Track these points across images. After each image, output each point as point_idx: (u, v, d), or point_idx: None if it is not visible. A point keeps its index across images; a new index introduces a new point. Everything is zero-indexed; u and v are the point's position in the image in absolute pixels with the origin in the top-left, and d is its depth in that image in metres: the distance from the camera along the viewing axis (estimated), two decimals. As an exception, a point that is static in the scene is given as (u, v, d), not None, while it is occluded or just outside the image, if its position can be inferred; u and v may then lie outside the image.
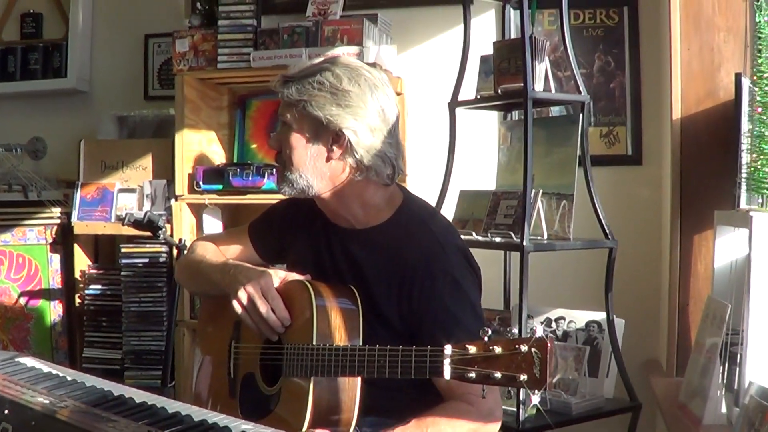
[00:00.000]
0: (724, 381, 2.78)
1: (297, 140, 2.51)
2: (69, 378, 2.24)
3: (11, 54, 5.45)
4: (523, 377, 1.85)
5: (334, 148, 2.47)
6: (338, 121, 2.43)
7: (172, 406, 1.95)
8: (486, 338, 1.92)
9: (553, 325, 3.76)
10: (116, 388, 2.13)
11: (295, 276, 2.55)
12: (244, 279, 2.52)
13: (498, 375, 1.88)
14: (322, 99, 2.44)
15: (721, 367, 2.77)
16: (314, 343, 2.35)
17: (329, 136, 2.47)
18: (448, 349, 1.97)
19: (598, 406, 3.62)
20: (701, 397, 2.84)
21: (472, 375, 1.92)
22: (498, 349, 1.89)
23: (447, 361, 1.96)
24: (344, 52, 3.94)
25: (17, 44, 5.49)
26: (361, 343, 2.36)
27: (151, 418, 1.86)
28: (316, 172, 2.50)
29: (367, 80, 2.48)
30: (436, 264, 2.47)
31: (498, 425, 2.45)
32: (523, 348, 1.85)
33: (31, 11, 5.51)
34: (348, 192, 2.55)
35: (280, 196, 3.59)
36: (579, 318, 3.75)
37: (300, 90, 2.47)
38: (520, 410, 3.34)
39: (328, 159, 2.49)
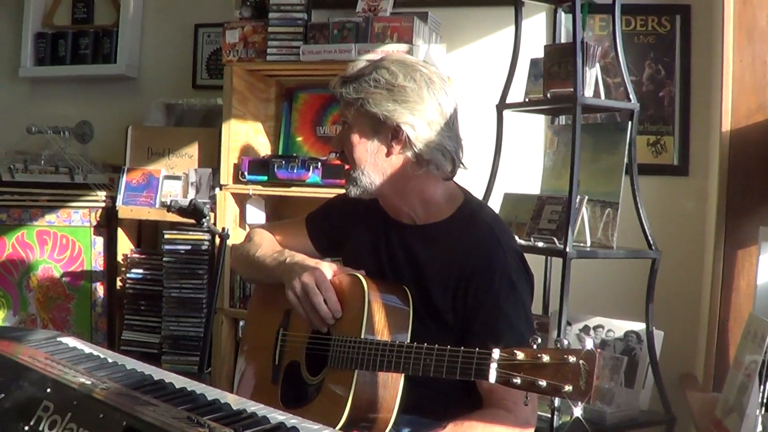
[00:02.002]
0: (763, 400, 2.75)
1: (357, 138, 2.54)
2: (110, 360, 2.26)
3: (62, 38, 5.51)
4: (568, 388, 1.85)
5: (393, 143, 2.50)
6: (395, 116, 2.46)
7: (211, 393, 1.97)
8: (535, 346, 1.92)
9: (592, 333, 3.75)
10: (156, 372, 2.15)
11: (349, 270, 2.57)
12: (299, 269, 2.57)
13: (543, 383, 1.88)
14: (378, 96, 2.47)
15: (761, 386, 2.74)
16: (362, 337, 2.37)
17: (388, 132, 2.50)
18: (495, 353, 1.96)
19: (633, 418, 3.60)
20: (738, 415, 2.81)
21: (518, 381, 1.92)
22: (546, 358, 1.88)
23: (494, 365, 1.96)
24: (394, 50, 3.95)
25: (68, 29, 5.55)
26: (409, 342, 2.37)
27: (190, 403, 1.87)
28: (377, 168, 2.54)
29: (422, 75, 2.50)
30: (495, 264, 2.48)
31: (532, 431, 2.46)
32: (572, 359, 1.85)
33: (84, -3, 5.56)
34: (409, 187, 2.57)
35: (324, 190, 3.61)
36: (618, 327, 3.73)
37: (357, 89, 2.51)
38: (554, 417, 3.33)
39: (388, 154, 2.52)
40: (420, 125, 2.48)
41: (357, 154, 2.55)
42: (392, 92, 2.47)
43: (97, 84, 5.53)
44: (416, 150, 2.49)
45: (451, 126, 2.55)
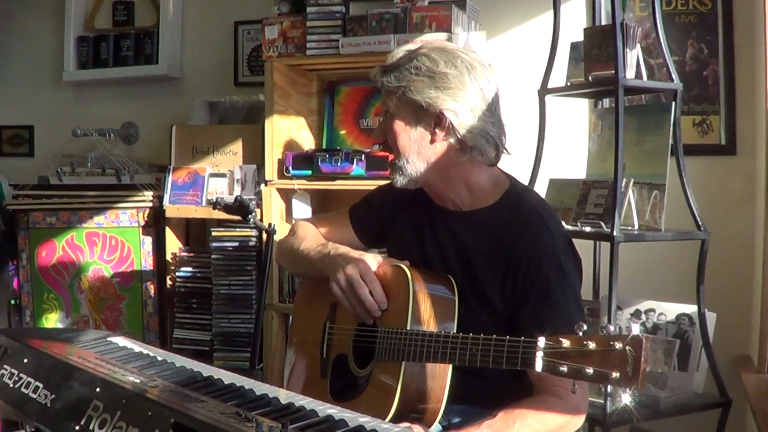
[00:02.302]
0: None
1: (400, 126, 2.54)
2: (159, 358, 2.28)
3: (104, 41, 5.57)
4: (616, 375, 1.84)
5: (437, 130, 2.50)
6: (438, 103, 2.46)
7: (260, 388, 1.98)
8: (581, 333, 1.90)
9: (643, 317, 3.72)
10: (205, 369, 2.17)
11: (393, 261, 2.58)
12: (343, 261, 2.57)
13: (590, 371, 1.87)
14: (420, 83, 2.47)
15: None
16: (408, 328, 2.36)
17: (431, 119, 2.49)
18: (541, 341, 1.96)
19: (687, 401, 3.57)
20: (794, 394, 2.78)
21: (564, 369, 1.91)
22: (592, 345, 1.87)
23: (540, 354, 1.96)
24: (434, 40, 3.93)
25: (109, 32, 5.61)
26: (455, 332, 2.36)
27: (239, 399, 1.89)
28: (421, 156, 2.54)
29: (463, 62, 2.49)
30: (544, 249, 2.47)
31: (583, 418, 2.44)
32: (618, 345, 1.84)
33: (123, -1, 5.60)
34: (454, 174, 2.57)
35: (368, 182, 3.61)
36: (669, 310, 3.70)
37: (398, 77, 2.51)
38: (607, 403, 3.31)
39: (432, 141, 2.52)
40: (463, 111, 2.47)
41: (401, 142, 2.55)
42: (434, 79, 2.46)
43: (140, 85, 5.58)
44: (459, 136, 2.49)
45: (493, 111, 2.54)
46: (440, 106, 2.46)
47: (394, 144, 2.57)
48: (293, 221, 4.45)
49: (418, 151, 2.54)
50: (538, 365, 1.96)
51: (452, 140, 2.51)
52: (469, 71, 2.49)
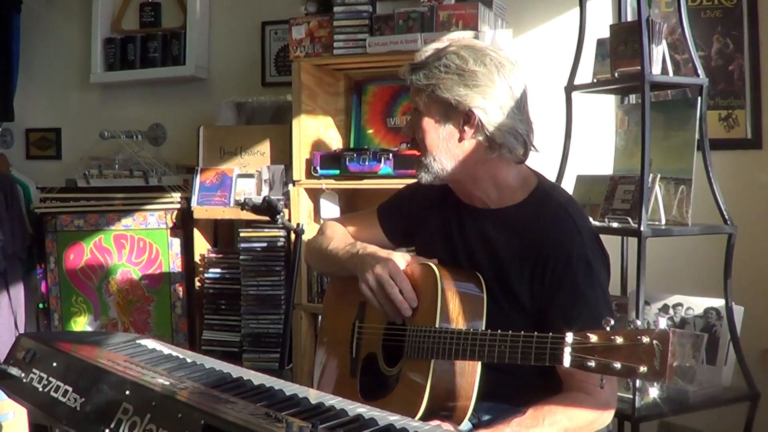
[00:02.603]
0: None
1: (428, 124, 2.54)
2: (188, 360, 2.30)
3: (131, 42, 5.60)
4: (643, 369, 1.84)
5: (466, 128, 2.50)
6: (467, 101, 2.46)
7: (289, 388, 1.99)
8: (608, 328, 1.91)
9: (671, 311, 3.72)
10: (235, 370, 2.18)
11: (421, 259, 2.59)
12: (372, 261, 2.59)
13: (617, 365, 1.87)
14: (449, 81, 2.47)
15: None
16: (437, 326, 2.37)
17: (460, 116, 2.50)
18: (569, 337, 1.97)
19: (716, 395, 3.56)
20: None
21: (592, 364, 1.92)
22: (619, 340, 1.88)
23: (567, 349, 1.97)
24: (460, 37, 3.94)
25: (137, 33, 5.64)
26: (483, 329, 2.37)
27: (268, 400, 1.90)
28: (449, 153, 2.54)
29: (492, 59, 2.50)
30: (572, 246, 2.47)
31: (612, 414, 2.45)
32: (645, 340, 1.84)
33: (150, 0, 5.65)
34: (482, 171, 2.57)
35: (396, 181, 3.62)
36: (697, 304, 3.70)
37: (427, 75, 2.51)
38: (636, 397, 3.32)
39: (461, 139, 2.52)
40: (492, 109, 2.48)
41: (429, 140, 2.55)
42: (463, 77, 2.47)
43: (168, 86, 5.61)
44: (488, 134, 2.49)
45: (522, 109, 2.54)
46: (470, 104, 2.47)
47: (422, 141, 2.57)
48: (321, 221, 4.46)
49: (447, 149, 2.54)
50: (566, 361, 1.97)
51: (481, 138, 2.51)
52: (498, 69, 2.49)
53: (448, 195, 2.72)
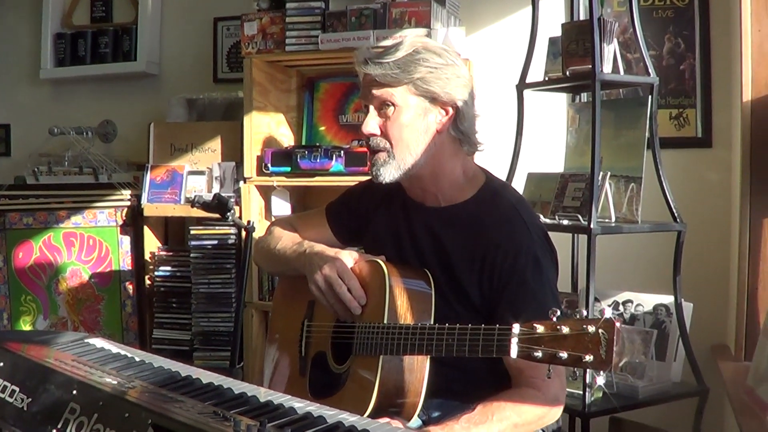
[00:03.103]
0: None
1: (406, 117, 2.53)
2: (137, 359, 2.28)
3: (81, 38, 5.54)
4: (589, 358, 1.85)
5: (443, 121, 2.53)
6: (454, 93, 2.51)
7: (238, 386, 1.98)
8: (554, 318, 1.92)
9: (621, 308, 3.74)
10: (183, 369, 2.17)
11: (369, 257, 2.60)
12: (320, 260, 2.58)
13: (564, 355, 1.88)
14: (432, 75, 2.49)
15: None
16: (385, 322, 2.38)
17: (440, 110, 2.53)
18: (516, 328, 1.98)
19: (665, 390, 3.59)
20: (769, 382, 2.81)
21: (539, 354, 1.93)
22: (565, 329, 1.89)
23: (514, 340, 1.97)
24: (415, 34, 3.94)
25: (87, 28, 5.59)
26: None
27: (217, 398, 1.89)
28: (424, 147, 2.54)
29: (452, 54, 2.55)
30: (520, 242, 2.49)
31: (561, 409, 2.47)
32: (591, 329, 1.85)
33: (101, -5, 5.58)
34: (447, 166, 2.60)
35: (347, 179, 3.61)
36: (647, 301, 3.73)
37: (406, 69, 2.49)
38: (586, 393, 3.33)
39: (437, 132, 2.54)
40: (468, 102, 2.54)
41: (407, 134, 2.53)
42: (443, 70, 2.50)
43: (119, 82, 5.56)
44: (462, 127, 2.54)
45: (474, 104, 2.60)
46: (455, 97, 2.51)
47: (398, 136, 2.53)
48: (273, 218, 4.46)
49: (423, 142, 2.53)
50: (513, 351, 1.97)
51: (453, 132, 2.55)
52: (461, 64, 2.57)
53: (396, 194, 2.73)
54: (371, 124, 2.57)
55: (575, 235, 4.06)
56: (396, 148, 2.54)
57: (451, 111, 2.52)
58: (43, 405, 1.95)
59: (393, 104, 2.53)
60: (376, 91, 2.54)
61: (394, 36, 4.01)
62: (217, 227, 4.65)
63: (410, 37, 2.58)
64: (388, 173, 2.56)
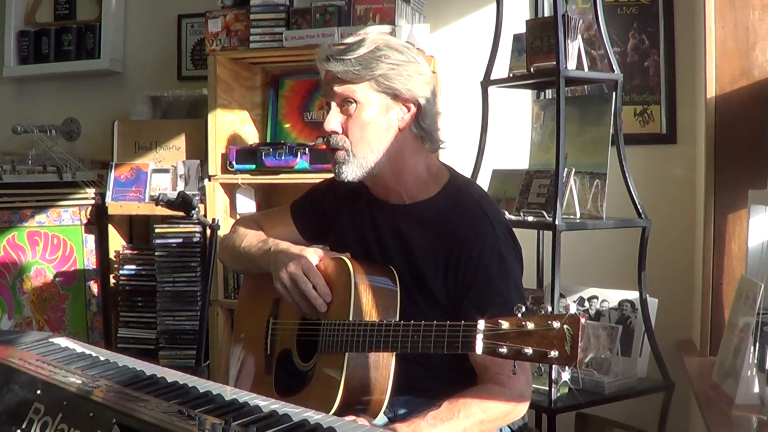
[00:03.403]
0: (756, 361, 2.76)
1: (368, 115, 2.52)
2: (102, 358, 2.26)
3: (45, 35, 5.50)
4: (554, 353, 1.86)
5: (405, 118, 2.53)
6: (417, 90, 2.51)
7: (203, 385, 1.97)
8: (519, 314, 1.92)
9: (586, 304, 3.75)
10: (148, 368, 2.15)
11: (334, 254, 2.60)
12: (285, 258, 2.58)
13: (529, 351, 1.89)
14: (394, 72, 2.49)
15: (753, 347, 2.75)
16: (350, 319, 2.37)
17: (401, 107, 2.53)
18: (481, 324, 1.98)
19: (631, 386, 3.60)
20: (733, 377, 2.82)
21: (504, 350, 1.93)
22: (531, 325, 1.89)
23: (480, 336, 1.98)
24: (377, 31, 3.93)
25: (51, 26, 5.54)
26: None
27: (182, 397, 1.87)
28: (386, 145, 2.54)
29: (413, 51, 2.56)
30: (485, 239, 2.49)
31: (527, 406, 2.47)
32: (556, 324, 1.86)
33: (65, -8, 5.54)
34: (409, 163, 2.60)
35: (312, 176, 3.60)
36: (612, 297, 3.74)
37: (368, 66, 2.49)
38: (552, 389, 3.34)
39: (399, 129, 2.54)
40: (430, 99, 2.55)
41: (369, 131, 2.53)
42: (405, 67, 2.50)
43: (82, 80, 5.52)
44: (423, 125, 2.54)
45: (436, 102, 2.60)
46: (416, 94, 2.51)
47: (359, 134, 2.53)
48: (237, 216, 4.44)
49: (386, 140, 2.53)
50: (479, 348, 1.98)
51: (415, 129, 2.55)
52: (422, 61, 2.56)
53: (361, 192, 2.73)
54: (333, 121, 2.56)
55: (540, 231, 4.07)
56: (356, 147, 2.54)
57: (413, 108, 2.52)
58: (7, 405, 1.93)
59: (355, 101, 2.52)
60: (337, 88, 2.54)
61: (357, 33, 4.00)
62: (181, 225, 4.63)
63: (372, 35, 2.58)
64: (351, 171, 2.56)
